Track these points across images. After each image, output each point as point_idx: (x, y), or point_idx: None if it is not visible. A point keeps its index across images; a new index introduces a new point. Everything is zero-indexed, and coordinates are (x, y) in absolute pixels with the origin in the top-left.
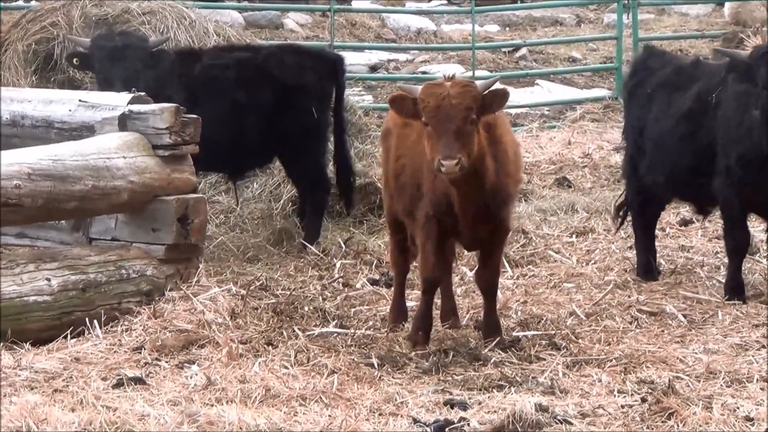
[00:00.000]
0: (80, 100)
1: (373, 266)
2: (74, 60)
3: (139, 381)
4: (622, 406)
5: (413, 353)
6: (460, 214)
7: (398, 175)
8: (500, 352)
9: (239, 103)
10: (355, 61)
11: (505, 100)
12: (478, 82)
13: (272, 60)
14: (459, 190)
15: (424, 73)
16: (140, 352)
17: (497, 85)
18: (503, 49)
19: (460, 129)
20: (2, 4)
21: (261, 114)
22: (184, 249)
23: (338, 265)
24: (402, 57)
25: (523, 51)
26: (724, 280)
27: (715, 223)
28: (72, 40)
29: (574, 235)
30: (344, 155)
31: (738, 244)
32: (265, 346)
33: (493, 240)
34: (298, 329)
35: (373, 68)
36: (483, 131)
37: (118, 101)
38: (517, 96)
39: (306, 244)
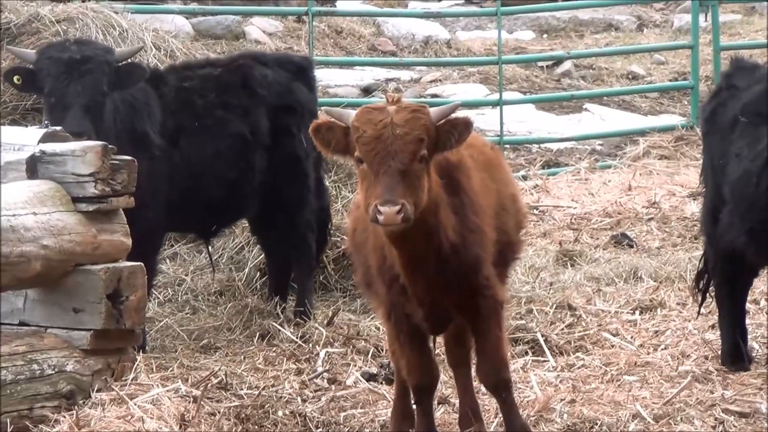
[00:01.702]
0: None
1: (369, 356)
2: (15, 78)
3: None
4: None
5: None
6: (408, 286)
7: (355, 228)
8: None
9: (241, 135)
10: (342, 80)
11: (466, 133)
12: (432, 109)
13: (254, 75)
14: (402, 253)
15: (434, 96)
16: None
17: (457, 114)
18: (540, 63)
19: (405, 167)
20: None
21: (263, 146)
22: (116, 336)
23: (322, 354)
24: (405, 75)
25: (567, 65)
26: None
27: None
28: (12, 52)
29: (637, 312)
30: (321, 195)
31: None
32: None
33: (479, 317)
34: None
35: (366, 91)
36: (436, 176)
37: (26, 139)
38: (560, 126)
39: (302, 312)
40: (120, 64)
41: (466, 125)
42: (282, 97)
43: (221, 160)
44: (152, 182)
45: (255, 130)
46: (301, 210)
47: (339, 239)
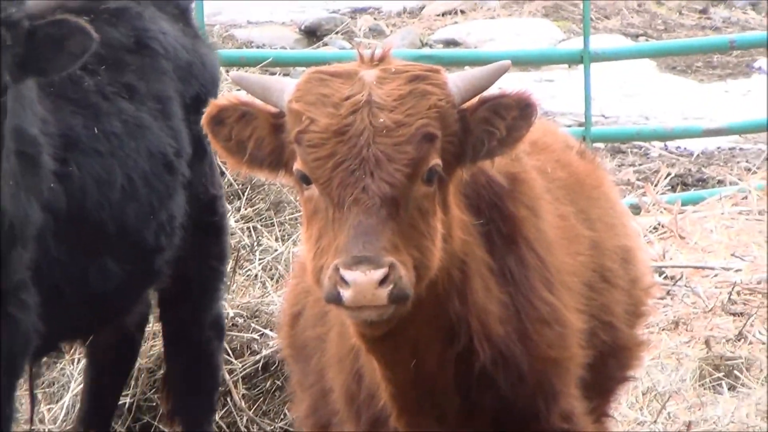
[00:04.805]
0: None
1: None
2: None
3: None
4: None
5: None
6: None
7: (297, 315)
8: None
9: (163, 155)
10: (264, 13)
11: (524, 125)
12: (453, 76)
13: (149, 29)
14: (391, 370)
15: (452, 45)
16: None
17: (505, 83)
18: None
19: (396, 194)
20: None
21: (183, 175)
22: None
23: None
24: (392, 4)
25: None
26: None
27: None
28: None
29: None
30: None
31: None
32: None
33: None
34: None
35: (312, 33)
36: (462, 212)
37: None
38: (708, 103)
39: None
40: (37, 23)
41: (525, 108)
42: (191, 72)
43: (134, 205)
44: (40, 243)
45: (178, 143)
46: (213, 291)
47: (258, 337)
